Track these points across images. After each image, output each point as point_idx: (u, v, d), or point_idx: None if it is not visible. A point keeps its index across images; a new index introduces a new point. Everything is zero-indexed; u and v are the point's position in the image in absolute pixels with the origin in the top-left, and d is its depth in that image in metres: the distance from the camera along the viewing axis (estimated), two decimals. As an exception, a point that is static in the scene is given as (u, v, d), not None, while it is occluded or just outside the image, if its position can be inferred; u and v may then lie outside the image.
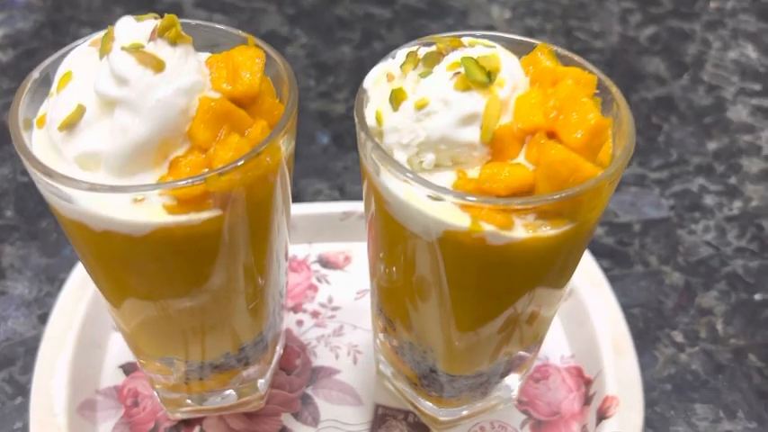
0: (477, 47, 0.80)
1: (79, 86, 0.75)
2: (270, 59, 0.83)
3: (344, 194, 1.47)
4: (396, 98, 0.77)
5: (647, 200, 1.48)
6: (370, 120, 0.79)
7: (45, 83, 0.81)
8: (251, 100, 0.78)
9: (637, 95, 1.73)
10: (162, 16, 0.79)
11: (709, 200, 1.49)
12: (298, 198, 1.44)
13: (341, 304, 1.25)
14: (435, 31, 2.07)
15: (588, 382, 1.13)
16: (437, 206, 0.72)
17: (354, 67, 1.77)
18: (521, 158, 0.75)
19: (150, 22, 0.75)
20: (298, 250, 1.33)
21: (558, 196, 0.70)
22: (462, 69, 0.75)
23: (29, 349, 1.17)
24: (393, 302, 0.94)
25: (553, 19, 1.97)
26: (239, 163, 0.71)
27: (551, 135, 0.74)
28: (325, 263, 1.31)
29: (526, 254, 0.75)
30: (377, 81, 0.82)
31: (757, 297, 1.31)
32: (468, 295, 0.82)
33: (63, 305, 1.13)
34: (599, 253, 1.35)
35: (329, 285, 1.28)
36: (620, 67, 1.82)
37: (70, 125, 0.73)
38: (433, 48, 0.79)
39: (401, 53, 0.84)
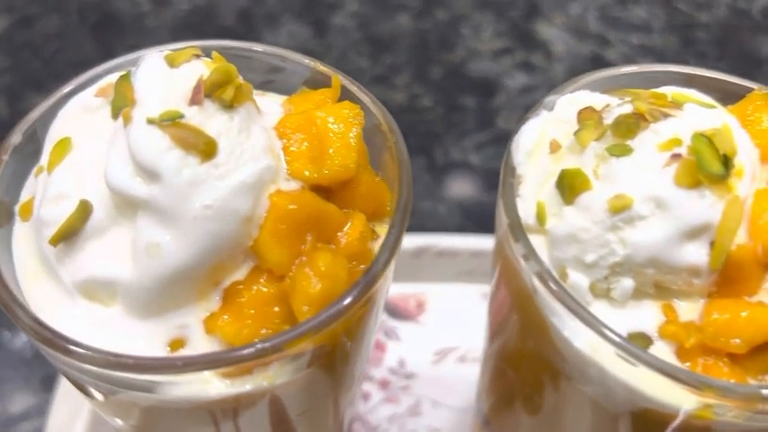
0: (689, 108, 0.52)
1: (81, 167, 0.49)
2: (363, 109, 0.56)
3: (411, 215, 1.20)
4: (570, 186, 0.50)
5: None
6: (526, 213, 0.52)
7: (31, 145, 0.54)
8: (343, 184, 0.51)
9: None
10: (206, 53, 0.51)
11: None
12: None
13: (416, 369, 1.01)
14: None
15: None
16: (641, 372, 0.46)
17: (416, 43, 1.48)
18: (764, 296, 0.49)
19: (191, 70, 0.48)
20: (358, 292, 1.08)
21: None
22: (684, 151, 0.48)
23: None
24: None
25: (646, -17, 1.66)
26: (337, 308, 0.45)
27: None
28: (394, 311, 1.06)
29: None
30: (532, 152, 0.54)
31: None
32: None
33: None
34: None
35: (400, 342, 1.03)
36: (732, 48, 1.52)
37: (68, 235, 0.47)
38: (628, 107, 0.51)
39: (563, 102, 0.57)
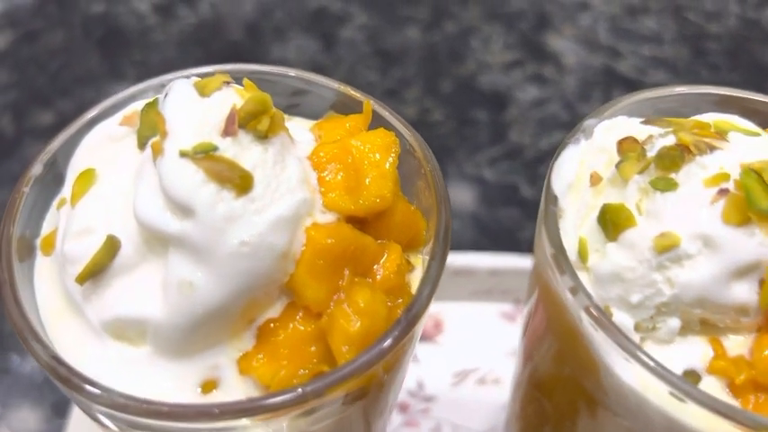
0: (734, 138, 0.50)
1: (107, 199, 0.47)
2: (396, 135, 0.54)
3: (425, 231, 1.18)
4: (613, 222, 0.48)
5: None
6: (568, 249, 0.50)
7: (51, 175, 0.52)
8: (378, 215, 0.49)
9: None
10: (235, 79, 0.49)
11: None
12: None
13: (435, 392, 0.99)
14: (518, 9, 1.74)
15: None
16: (691, 409, 0.45)
17: (425, 56, 1.46)
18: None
19: (223, 99, 0.46)
20: (373, 312, 1.05)
21: None
22: (732, 186, 0.46)
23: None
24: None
25: (656, -6, 1.65)
26: (379, 349, 0.43)
27: None
28: (410, 331, 1.04)
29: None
30: (573, 185, 0.52)
31: None
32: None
33: None
34: None
35: (418, 364, 1.01)
36: (744, 58, 1.50)
37: (95, 273, 0.45)
38: (672, 139, 0.49)
39: (601, 129, 0.55)
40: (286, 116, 0.59)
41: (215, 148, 0.43)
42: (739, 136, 0.50)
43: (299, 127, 0.55)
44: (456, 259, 1.04)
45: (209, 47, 1.48)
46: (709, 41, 1.54)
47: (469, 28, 1.53)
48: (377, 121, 0.56)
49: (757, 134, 0.52)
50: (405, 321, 0.44)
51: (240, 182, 0.42)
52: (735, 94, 0.59)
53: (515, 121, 1.35)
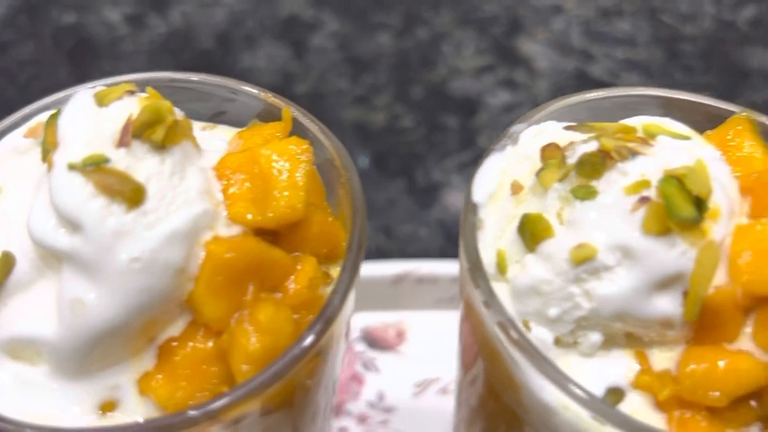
0: (660, 143, 0.48)
1: (9, 215, 0.46)
2: (316, 143, 0.52)
3: (391, 237, 1.17)
4: (532, 232, 0.46)
5: None
6: (488, 261, 0.48)
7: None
8: (292, 226, 0.48)
9: (741, 99, 1.40)
10: (140, 88, 0.48)
11: None
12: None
13: (395, 403, 0.97)
14: (491, 14, 1.73)
15: None
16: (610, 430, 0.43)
17: (396, 62, 1.44)
18: (745, 343, 0.45)
19: (120, 109, 0.44)
20: (336, 323, 1.03)
21: None
22: (653, 194, 0.44)
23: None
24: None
25: (631, -4, 1.63)
26: (278, 368, 0.41)
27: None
28: (373, 341, 1.02)
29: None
30: (495, 195, 0.50)
31: None
32: None
33: None
34: None
35: (378, 374, 0.99)
36: (718, 60, 1.49)
37: (-10, 290, 0.43)
38: (594, 145, 0.47)
39: (527, 135, 0.53)
40: (212, 124, 0.58)
41: (106, 160, 0.41)
42: (666, 141, 0.48)
43: (218, 137, 0.54)
44: (419, 267, 1.02)
45: (179, 56, 1.47)
46: (684, 43, 1.52)
47: (442, 33, 1.51)
48: (298, 130, 0.54)
49: (686, 137, 0.49)
50: (308, 336, 0.42)
51: (131, 195, 0.41)
52: (674, 96, 0.57)
53: (485, 126, 1.33)
